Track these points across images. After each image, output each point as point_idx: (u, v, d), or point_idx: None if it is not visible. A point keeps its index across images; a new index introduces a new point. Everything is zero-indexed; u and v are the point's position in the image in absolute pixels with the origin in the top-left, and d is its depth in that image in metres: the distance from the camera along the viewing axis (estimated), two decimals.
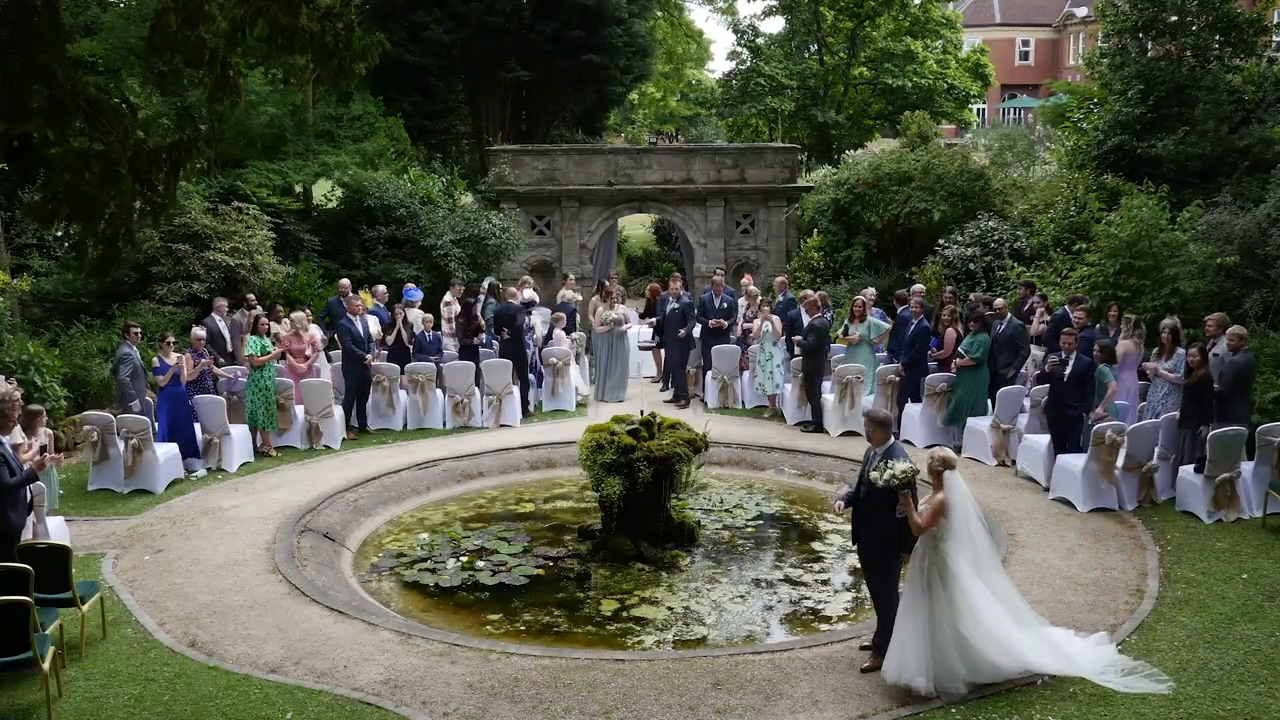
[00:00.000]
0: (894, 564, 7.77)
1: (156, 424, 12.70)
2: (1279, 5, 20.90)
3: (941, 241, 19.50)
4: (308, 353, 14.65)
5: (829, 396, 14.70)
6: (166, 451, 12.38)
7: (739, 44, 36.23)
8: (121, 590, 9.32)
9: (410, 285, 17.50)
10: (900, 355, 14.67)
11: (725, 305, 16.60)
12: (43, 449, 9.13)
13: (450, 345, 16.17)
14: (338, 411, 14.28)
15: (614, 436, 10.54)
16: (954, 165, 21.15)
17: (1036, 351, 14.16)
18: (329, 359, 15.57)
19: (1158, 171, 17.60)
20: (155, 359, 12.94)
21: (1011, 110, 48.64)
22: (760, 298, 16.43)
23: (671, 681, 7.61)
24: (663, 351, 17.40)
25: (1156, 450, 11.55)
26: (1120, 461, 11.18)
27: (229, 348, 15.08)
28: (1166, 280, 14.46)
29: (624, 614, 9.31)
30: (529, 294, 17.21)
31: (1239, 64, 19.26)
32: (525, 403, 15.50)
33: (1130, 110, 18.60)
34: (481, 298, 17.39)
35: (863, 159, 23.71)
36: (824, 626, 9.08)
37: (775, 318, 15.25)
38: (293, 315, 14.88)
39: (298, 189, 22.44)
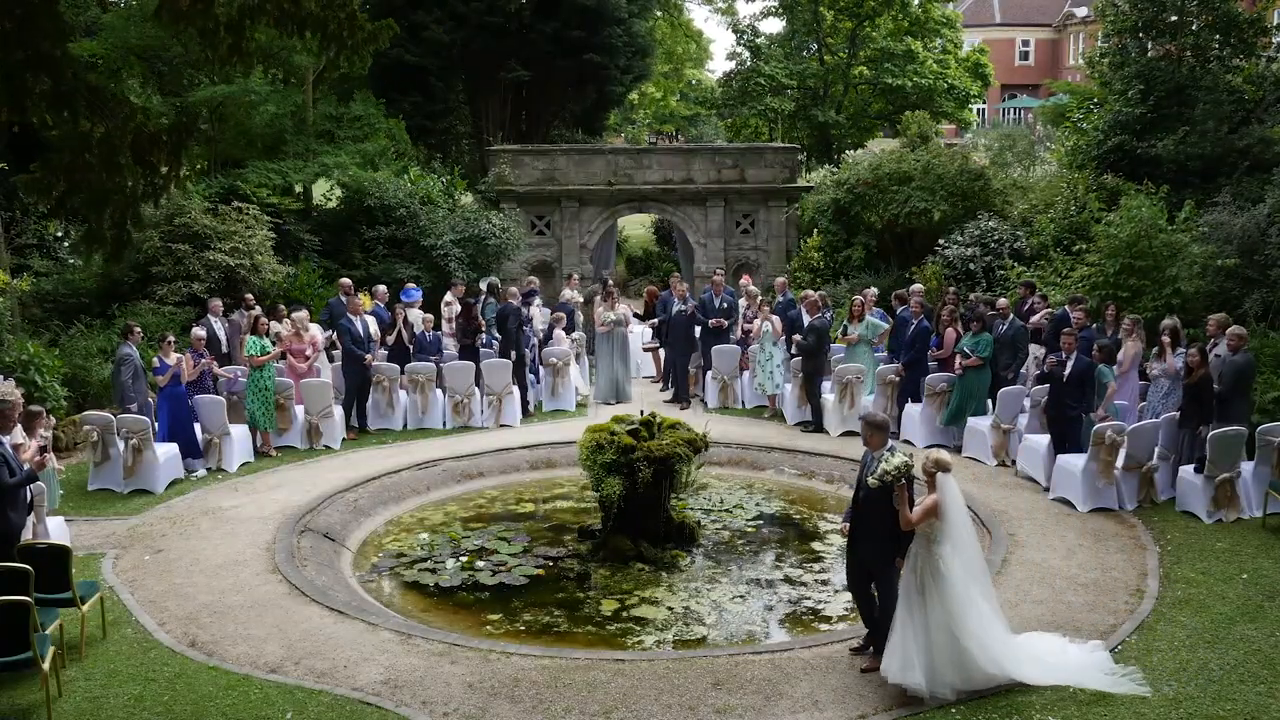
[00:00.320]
0: (893, 568, 7.75)
1: (156, 424, 12.70)
2: (1279, 5, 20.90)
3: (941, 241, 19.50)
4: (308, 353, 14.65)
5: (829, 396, 14.70)
6: (166, 451, 12.38)
7: (739, 44, 36.26)
8: (121, 590, 9.32)
9: (410, 285, 17.50)
10: (900, 355, 14.67)
11: (725, 305, 16.61)
12: (43, 449, 9.13)
13: (450, 345, 16.18)
14: (338, 411, 14.28)
15: (614, 436, 10.54)
16: (954, 165, 21.16)
17: (1036, 351, 14.16)
18: (330, 359, 15.57)
19: (1158, 171, 17.61)
20: (155, 359, 12.94)
21: (1011, 110, 48.66)
22: (760, 298, 16.44)
23: (671, 681, 7.61)
24: (662, 352, 17.40)
25: (1156, 450, 11.55)
26: (1120, 461, 11.18)
27: (224, 349, 15.04)
28: (1167, 280, 14.47)
29: (624, 614, 9.31)
30: (530, 281, 17.15)
31: (1239, 64, 19.28)
32: (525, 403, 15.50)
33: (1130, 110, 18.60)
34: (481, 298, 17.40)
35: (863, 159, 23.70)
36: (824, 626, 9.08)
37: (775, 318, 15.25)
38: (293, 315, 14.88)
39: (298, 189, 22.46)
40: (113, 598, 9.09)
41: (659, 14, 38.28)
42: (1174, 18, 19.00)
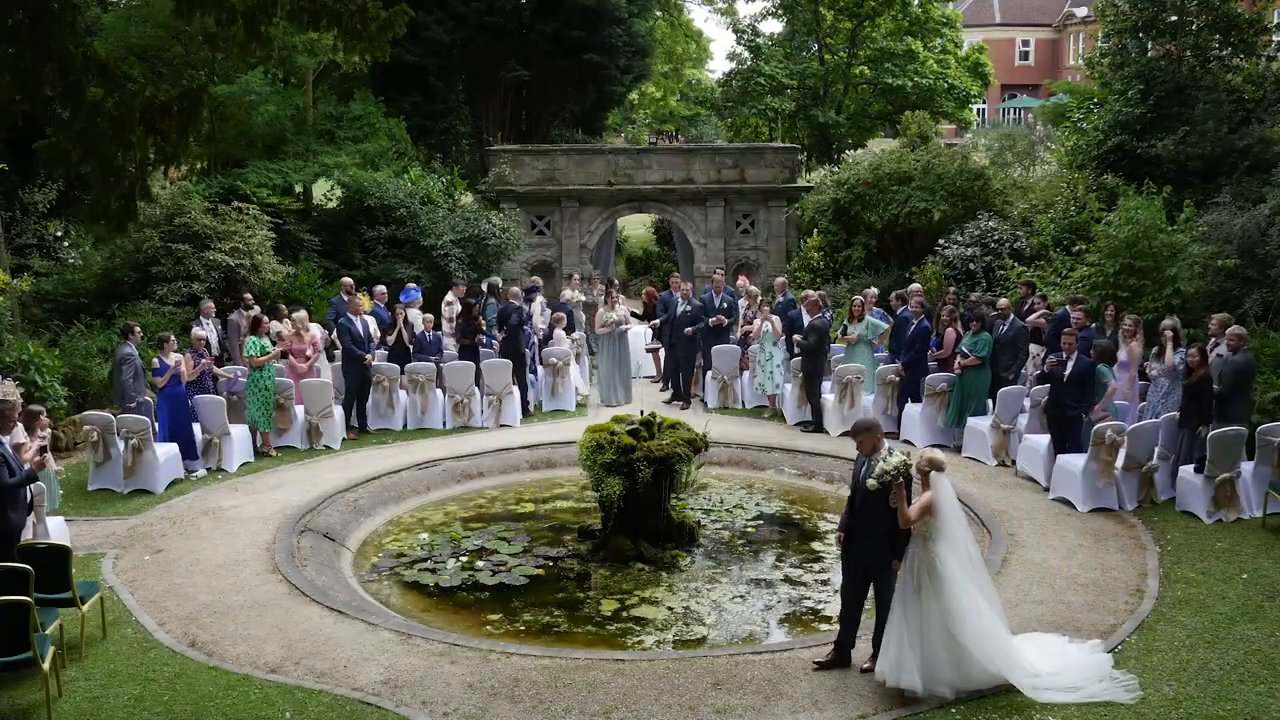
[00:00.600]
0: (891, 570, 7.73)
1: (156, 424, 12.70)
2: (1279, 5, 20.90)
3: (941, 241, 19.50)
4: (308, 353, 14.65)
5: (829, 396, 14.70)
6: (166, 451, 12.37)
7: (739, 44, 36.28)
8: (121, 590, 9.32)
9: (410, 285, 17.50)
10: (900, 355, 14.67)
11: (725, 305, 16.61)
12: (43, 449, 9.13)
13: (450, 345, 16.18)
14: (338, 411, 14.28)
15: (614, 436, 10.55)
16: (954, 165, 21.15)
17: (1036, 350, 14.16)
18: (330, 359, 15.57)
19: (1158, 171, 17.59)
20: (155, 359, 12.93)
21: (1011, 110, 48.65)
22: (760, 298, 16.44)
23: (671, 681, 7.61)
24: (662, 352, 17.39)
25: (1156, 450, 11.55)
26: (1120, 461, 11.18)
27: (214, 351, 14.97)
28: (1167, 281, 14.47)
29: (624, 614, 9.31)
30: (534, 279, 17.14)
31: (1239, 64, 19.26)
32: (525, 403, 15.50)
33: (1130, 110, 18.59)
34: (482, 298, 17.40)
35: (863, 159, 23.69)
36: (824, 626, 9.07)
37: (775, 318, 15.25)
38: (294, 315, 14.88)
39: (298, 189, 22.46)
40: (113, 598, 9.09)
41: (659, 14, 38.29)
42: (1174, 18, 19.00)
